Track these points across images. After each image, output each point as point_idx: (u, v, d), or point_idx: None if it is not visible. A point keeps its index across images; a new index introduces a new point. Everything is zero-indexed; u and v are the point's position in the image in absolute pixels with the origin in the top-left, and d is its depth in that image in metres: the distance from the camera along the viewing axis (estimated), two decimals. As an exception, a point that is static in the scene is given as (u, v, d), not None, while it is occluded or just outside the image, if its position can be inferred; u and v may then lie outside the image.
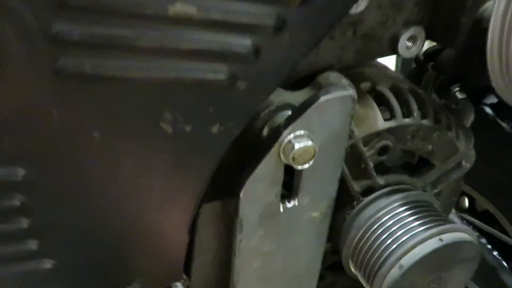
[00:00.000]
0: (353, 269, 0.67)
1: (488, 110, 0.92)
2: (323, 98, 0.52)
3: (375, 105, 0.64)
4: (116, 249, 0.53)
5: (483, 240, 1.09)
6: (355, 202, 0.67)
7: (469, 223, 1.10)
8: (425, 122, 0.67)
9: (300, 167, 0.54)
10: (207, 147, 0.49)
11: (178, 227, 0.54)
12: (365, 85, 0.67)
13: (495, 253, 1.08)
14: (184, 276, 0.63)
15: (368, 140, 0.64)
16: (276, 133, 0.53)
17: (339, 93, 0.53)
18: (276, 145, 0.53)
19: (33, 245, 0.47)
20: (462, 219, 1.12)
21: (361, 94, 0.65)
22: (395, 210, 0.65)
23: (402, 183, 0.69)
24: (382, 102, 0.67)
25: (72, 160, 0.44)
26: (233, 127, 0.49)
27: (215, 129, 0.48)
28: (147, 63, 0.41)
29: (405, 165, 0.73)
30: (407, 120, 0.65)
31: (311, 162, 0.54)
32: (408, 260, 0.58)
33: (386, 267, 0.59)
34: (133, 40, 0.40)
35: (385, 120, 0.64)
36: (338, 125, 0.55)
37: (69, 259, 0.51)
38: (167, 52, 0.41)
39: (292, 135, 0.53)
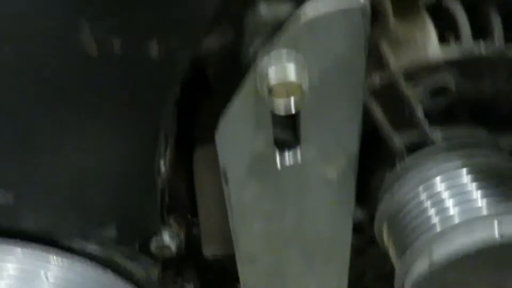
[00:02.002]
0: (385, 243, 0.52)
1: None
2: (309, 9, 0.37)
3: (428, 23, 0.45)
4: (79, 190, 0.47)
5: None
6: (397, 159, 0.50)
7: None
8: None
9: (282, 102, 0.39)
10: (150, 75, 0.38)
11: (142, 170, 0.46)
12: (428, -1, 0.48)
13: None
14: (176, 227, 0.56)
15: (413, 75, 0.46)
16: (253, 57, 0.40)
17: (337, 4, 0.37)
18: (251, 75, 0.40)
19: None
20: None
21: (412, 8, 0.46)
22: (452, 176, 0.46)
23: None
24: (449, 23, 0.46)
25: None
26: (177, 47, 0.37)
27: (153, 49, 0.37)
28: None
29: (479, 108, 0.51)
30: (480, 46, 0.44)
31: (297, 97, 0.39)
32: (442, 251, 0.40)
33: (414, 252, 0.42)
34: None
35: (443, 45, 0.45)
36: (343, 49, 0.39)
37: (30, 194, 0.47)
38: None
39: (270, 61, 0.39)
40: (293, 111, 0.40)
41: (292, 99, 0.39)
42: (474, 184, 0.45)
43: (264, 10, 0.43)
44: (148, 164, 0.45)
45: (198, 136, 0.54)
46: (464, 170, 0.45)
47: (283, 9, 0.43)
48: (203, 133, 0.54)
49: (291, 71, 0.38)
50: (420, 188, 0.47)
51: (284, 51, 0.38)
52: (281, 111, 0.40)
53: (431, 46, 0.44)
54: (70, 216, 0.49)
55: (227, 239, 0.62)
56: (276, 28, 0.43)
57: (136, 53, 0.37)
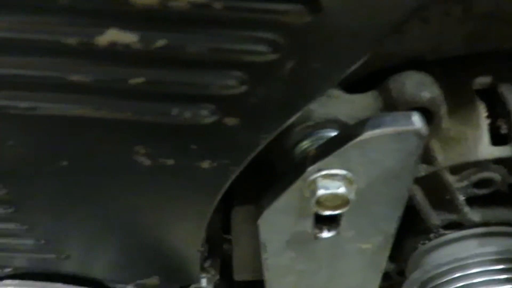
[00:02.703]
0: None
1: None
2: (367, 135, 0.36)
3: (481, 118, 0.43)
4: (129, 252, 0.50)
5: None
6: (431, 234, 0.51)
7: None
8: None
9: (328, 213, 0.40)
10: (201, 181, 0.39)
11: (189, 245, 0.48)
12: (483, 81, 0.45)
13: None
14: (213, 272, 0.59)
15: (459, 169, 0.45)
16: (300, 166, 0.40)
17: (393, 129, 0.36)
18: (299, 181, 0.40)
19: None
20: None
21: (465, 97, 0.44)
22: (487, 266, 0.47)
23: (509, 224, 0.49)
24: (501, 111, 0.45)
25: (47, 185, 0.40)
26: (228, 163, 0.37)
27: (205, 164, 0.37)
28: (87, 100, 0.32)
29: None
30: (532, 147, 0.43)
31: (344, 209, 0.40)
32: None
33: None
34: (66, 76, 0.30)
35: (495, 142, 0.44)
36: (394, 163, 0.39)
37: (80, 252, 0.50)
38: (113, 91, 0.31)
39: (319, 174, 0.39)
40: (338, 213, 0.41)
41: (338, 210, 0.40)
42: (506, 277, 0.46)
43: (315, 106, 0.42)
44: (195, 238, 0.47)
45: (236, 196, 0.55)
46: (498, 261, 0.47)
47: (334, 105, 0.42)
48: (240, 196, 0.54)
49: (340, 189, 0.38)
50: (455, 267, 0.49)
51: (334, 167, 0.38)
52: (325, 214, 0.41)
53: (482, 144, 0.43)
54: (120, 269, 0.53)
55: (257, 268, 0.65)
56: (325, 126, 0.42)
57: (188, 167, 0.37)
